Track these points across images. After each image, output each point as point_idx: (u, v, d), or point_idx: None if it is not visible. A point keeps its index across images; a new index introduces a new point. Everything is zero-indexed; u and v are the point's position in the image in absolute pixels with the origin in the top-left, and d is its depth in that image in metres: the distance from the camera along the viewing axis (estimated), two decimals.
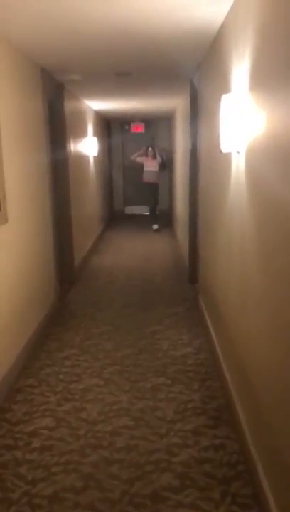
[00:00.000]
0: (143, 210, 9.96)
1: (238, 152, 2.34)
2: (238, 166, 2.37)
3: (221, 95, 2.41)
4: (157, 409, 2.68)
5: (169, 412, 2.65)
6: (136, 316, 4.23)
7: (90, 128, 7.02)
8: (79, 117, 6.19)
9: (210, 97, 3.40)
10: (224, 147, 2.36)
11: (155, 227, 8.63)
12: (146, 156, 8.71)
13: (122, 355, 3.40)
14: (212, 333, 3.47)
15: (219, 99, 2.52)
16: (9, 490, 2.07)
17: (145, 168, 8.70)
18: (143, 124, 9.87)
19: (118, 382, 3.00)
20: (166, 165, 8.91)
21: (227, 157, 2.62)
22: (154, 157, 8.66)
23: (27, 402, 2.79)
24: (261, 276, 1.96)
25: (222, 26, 2.76)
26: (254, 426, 2.15)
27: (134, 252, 6.98)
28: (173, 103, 6.92)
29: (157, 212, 8.84)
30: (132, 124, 9.90)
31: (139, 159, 8.77)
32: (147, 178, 8.69)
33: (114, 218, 10.32)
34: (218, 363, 3.09)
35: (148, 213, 9.12)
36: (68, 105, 5.16)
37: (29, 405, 2.75)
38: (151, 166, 8.63)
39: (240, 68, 2.27)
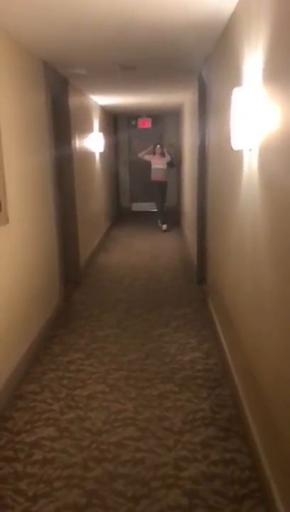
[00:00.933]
0: (151, 207, 9.81)
1: (250, 149, 2.20)
2: (250, 163, 2.23)
3: (232, 89, 2.27)
4: (164, 418, 2.57)
5: (177, 422, 2.53)
6: (143, 317, 4.11)
7: (96, 123, 6.89)
8: (85, 113, 6.06)
9: (220, 90, 3.25)
10: (236, 144, 2.23)
11: (164, 227, 8.36)
12: (154, 153, 8.48)
13: (128, 360, 3.28)
14: (222, 336, 3.35)
15: (230, 93, 2.38)
16: (8, 507, 1.97)
17: (153, 166, 8.46)
18: (150, 120, 9.71)
19: (124, 389, 2.89)
20: (174, 162, 8.70)
21: (239, 154, 2.48)
22: (162, 155, 8.42)
23: (29, 409, 2.68)
24: (275, 278, 1.83)
25: (234, 14, 2.61)
26: (266, 439, 2.02)
27: (141, 250, 6.85)
28: (181, 97, 6.77)
29: (165, 210, 8.63)
30: (139, 120, 9.75)
31: (147, 157, 8.54)
32: (155, 176, 8.46)
33: (120, 215, 10.19)
34: (228, 369, 2.97)
35: (155, 210, 8.91)
36: (73, 100, 5.03)
37: (31, 413, 2.64)
38: (159, 163, 8.40)
39: (253, 59, 2.12)
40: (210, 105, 4.02)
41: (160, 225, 8.48)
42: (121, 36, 3.11)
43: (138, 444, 2.34)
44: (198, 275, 4.98)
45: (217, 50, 3.38)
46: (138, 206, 10.81)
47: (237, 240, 2.66)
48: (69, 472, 2.16)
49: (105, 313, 4.22)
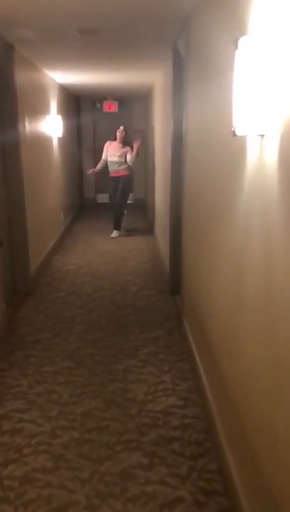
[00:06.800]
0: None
1: (262, 135, 1.43)
2: (261, 158, 1.46)
3: (229, 46, 1.50)
4: None
5: None
6: (104, 343, 3.32)
7: (53, 104, 5.97)
8: (39, 90, 5.15)
9: (208, 54, 2.46)
10: (240, 127, 1.45)
11: (114, 233, 6.68)
12: (115, 138, 6.48)
13: (83, 412, 2.49)
14: (202, 373, 2.62)
15: (226, 53, 1.61)
16: None
17: (109, 159, 6.51)
18: (116, 103, 8.80)
19: (74, 463, 2.11)
20: (131, 162, 6.51)
21: (239, 143, 1.71)
22: (123, 143, 6.43)
23: None
24: None
25: None
26: None
27: (105, 250, 6.01)
28: (151, 77, 5.94)
29: (121, 211, 6.78)
30: (104, 102, 8.83)
31: (104, 149, 6.62)
32: (111, 171, 6.58)
33: (84, 208, 9.31)
34: (213, 427, 2.24)
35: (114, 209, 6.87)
36: (22, 74, 4.13)
37: None
38: (114, 155, 6.47)
39: None
40: (189, 80, 3.23)
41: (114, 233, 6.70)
42: None
43: None
44: (171, 284, 4.23)
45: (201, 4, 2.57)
46: (104, 197, 9.90)
47: (233, 267, 1.90)
48: None
49: (57, 338, 3.40)
